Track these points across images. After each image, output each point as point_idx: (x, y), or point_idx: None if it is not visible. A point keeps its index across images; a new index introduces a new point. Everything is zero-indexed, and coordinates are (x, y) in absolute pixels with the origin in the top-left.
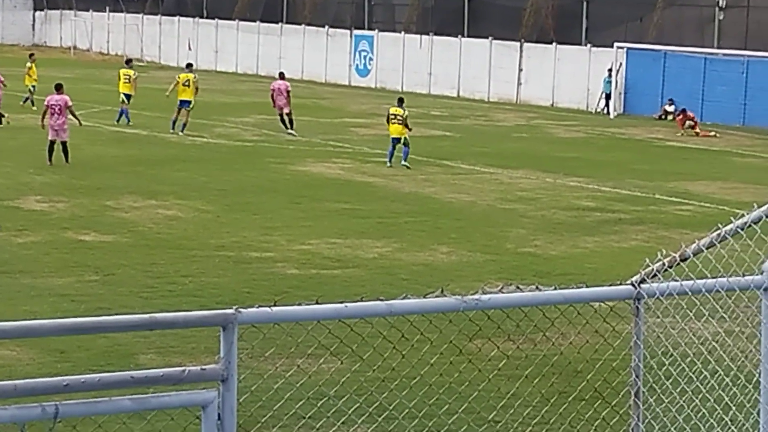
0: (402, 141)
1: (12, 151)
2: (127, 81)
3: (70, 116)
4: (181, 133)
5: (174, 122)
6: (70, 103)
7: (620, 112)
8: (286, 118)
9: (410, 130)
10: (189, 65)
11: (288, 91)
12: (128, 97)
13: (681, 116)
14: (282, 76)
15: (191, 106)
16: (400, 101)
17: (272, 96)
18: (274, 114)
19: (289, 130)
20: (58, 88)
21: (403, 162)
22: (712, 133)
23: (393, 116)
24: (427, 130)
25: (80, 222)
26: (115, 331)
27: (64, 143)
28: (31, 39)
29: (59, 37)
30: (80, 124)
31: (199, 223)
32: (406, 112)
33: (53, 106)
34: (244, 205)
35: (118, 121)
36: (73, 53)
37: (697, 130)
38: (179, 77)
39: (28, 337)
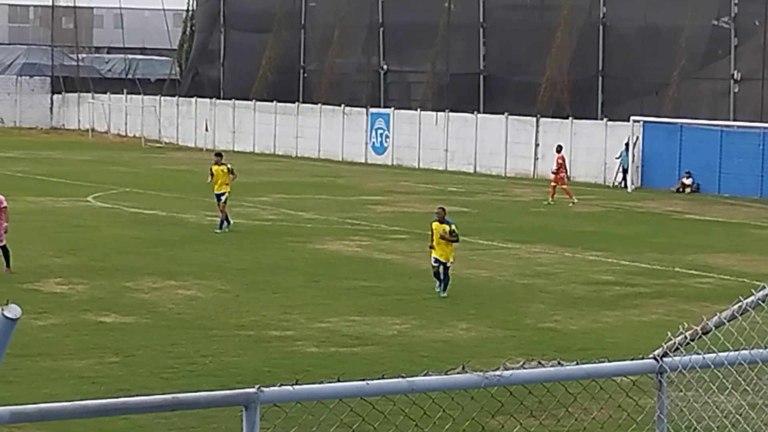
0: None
1: (30, 234)
2: None
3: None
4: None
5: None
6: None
7: (638, 186)
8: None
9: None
10: (219, 154)
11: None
12: None
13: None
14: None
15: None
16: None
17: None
18: (291, 193)
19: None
20: None
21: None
22: (574, 200)
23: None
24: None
25: (100, 304)
26: (137, 413)
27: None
28: (50, 122)
29: (77, 120)
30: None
31: (218, 302)
32: (454, 225)
33: None
34: (263, 284)
35: None
36: (91, 135)
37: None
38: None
39: (51, 420)
